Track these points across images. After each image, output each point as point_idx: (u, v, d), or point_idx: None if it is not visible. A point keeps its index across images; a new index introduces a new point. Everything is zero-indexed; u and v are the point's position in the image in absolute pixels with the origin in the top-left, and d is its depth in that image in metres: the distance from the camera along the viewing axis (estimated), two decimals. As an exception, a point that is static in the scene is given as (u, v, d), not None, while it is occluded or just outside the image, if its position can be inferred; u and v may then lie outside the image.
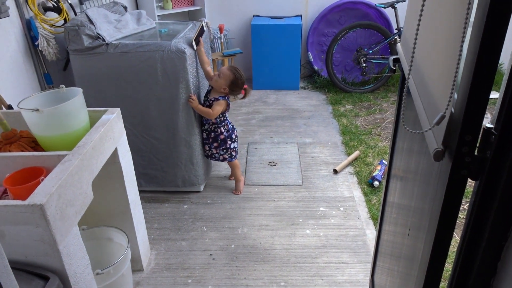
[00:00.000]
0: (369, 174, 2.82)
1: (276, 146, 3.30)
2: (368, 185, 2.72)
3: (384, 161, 2.88)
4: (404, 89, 0.96)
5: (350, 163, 2.99)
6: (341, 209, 2.49)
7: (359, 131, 3.50)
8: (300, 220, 2.40)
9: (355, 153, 3.06)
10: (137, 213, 1.93)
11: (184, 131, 2.40)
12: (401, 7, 4.17)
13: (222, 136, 2.41)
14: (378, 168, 2.79)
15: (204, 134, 2.43)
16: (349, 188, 2.71)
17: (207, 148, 2.48)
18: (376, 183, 2.67)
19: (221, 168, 2.86)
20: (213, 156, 2.52)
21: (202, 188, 2.69)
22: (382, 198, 1.64)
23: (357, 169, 2.91)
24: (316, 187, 2.72)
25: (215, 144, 2.45)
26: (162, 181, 2.59)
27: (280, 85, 4.53)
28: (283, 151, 3.21)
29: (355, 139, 3.33)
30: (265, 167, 2.98)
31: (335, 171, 2.88)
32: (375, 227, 2.34)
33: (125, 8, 2.73)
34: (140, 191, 1.91)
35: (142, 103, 2.34)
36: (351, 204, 2.53)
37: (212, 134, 2.42)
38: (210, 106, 2.30)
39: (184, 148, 2.46)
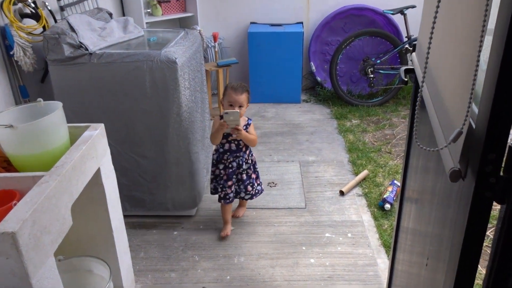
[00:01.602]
0: (380, 196, 2.81)
1: (276, 165, 3.29)
2: (378, 208, 2.70)
3: (396, 181, 2.87)
4: (417, 101, 0.95)
5: (358, 184, 2.97)
6: (349, 235, 2.47)
7: (367, 148, 3.50)
8: (303, 248, 2.38)
9: (364, 173, 3.05)
10: (121, 241, 1.90)
11: (174, 147, 2.39)
12: (411, 14, 4.23)
13: (255, 161, 2.43)
14: (390, 189, 2.78)
15: (244, 175, 2.34)
16: (357, 211, 2.69)
17: (250, 189, 2.38)
18: (387, 206, 2.66)
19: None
20: (257, 192, 2.43)
21: (194, 212, 2.67)
22: (395, 223, 1.62)
23: (366, 190, 2.90)
24: (320, 210, 2.71)
25: (254, 175, 2.45)
26: (150, 204, 2.57)
27: (280, 98, 4.55)
28: (284, 171, 3.19)
29: (363, 157, 3.33)
30: (266, 188, 2.96)
31: (342, 193, 2.86)
32: (388, 256, 2.31)
33: (111, 14, 2.75)
34: (124, 216, 1.89)
35: (128, 117, 2.34)
36: (360, 230, 2.51)
37: (251, 168, 2.37)
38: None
39: (174, 167, 2.44)
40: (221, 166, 2.34)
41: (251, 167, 2.38)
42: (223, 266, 2.26)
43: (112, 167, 1.82)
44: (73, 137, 1.66)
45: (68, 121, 1.81)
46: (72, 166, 1.46)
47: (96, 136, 1.66)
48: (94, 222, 1.79)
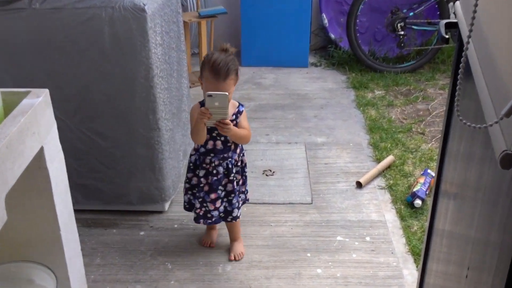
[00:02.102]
0: (408, 190, 2.83)
1: (274, 148, 3.29)
2: (406, 204, 2.72)
3: (429, 171, 2.89)
4: (461, 66, 0.94)
5: (381, 173, 2.99)
6: (367, 239, 2.49)
7: (393, 127, 3.51)
8: (308, 255, 2.40)
9: (388, 159, 3.06)
10: (70, 242, 1.91)
11: (142, 123, 2.38)
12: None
13: (245, 163, 2.31)
14: (421, 180, 2.80)
15: (234, 184, 2.21)
16: (379, 209, 2.71)
17: (234, 201, 2.26)
18: (417, 202, 2.68)
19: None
20: (238, 205, 2.29)
21: (167, 206, 2.68)
22: (427, 224, 1.63)
23: (391, 181, 2.92)
24: (331, 207, 2.72)
25: (241, 181, 2.30)
26: (109, 196, 2.58)
27: (280, 61, 4.53)
28: (284, 155, 3.21)
29: (387, 139, 3.34)
30: (258, 178, 2.97)
31: (359, 185, 2.88)
32: (416, 266, 2.34)
33: None
34: (75, 211, 1.88)
35: (82, 83, 2.32)
36: (382, 232, 2.53)
37: (240, 171, 2.26)
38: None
39: (141, 149, 2.44)
40: (202, 173, 2.20)
41: (240, 170, 2.26)
42: (203, 276, 2.28)
43: (59, 146, 1.81)
44: (8, 107, 1.64)
45: (2, 86, 1.79)
46: (6, 144, 1.45)
47: (38, 106, 1.64)
48: (36, 218, 1.78)
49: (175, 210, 2.69)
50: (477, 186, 1.12)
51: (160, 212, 2.67)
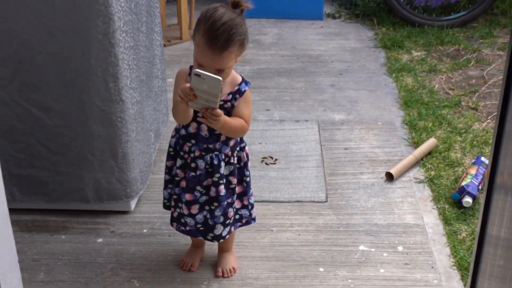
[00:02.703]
0: (455, 184, 2.84)
1: (277, 127, 3.29)
2: (452, 203, 2.74)
3: (483, 158, 2.90)
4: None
5: (419, 162, 3.00)
6: (400, 248, 2.51)
7: (436, 100, 3.51)
8: (321, 270, 2.41)
9: (429, 143, 3.07)
10: (4, 252, 1.91)
11: (99, 93, 2.38)
12: None
13: (245, 160, 2.25)
14: (472, 171, 2.80)
15: (220, 188, 2.18)
16: (416, 209, 2.72)
17: (230, 215, 2.24)
18: (467, 200, 2.69)
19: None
20: (240, 221, 2.32)
21: (133, 205, 2.69)
22: (477, 230, 1.64)
23: (432, 173, 2.93)
24: (352, 206, 2.74)
25: (239, 188, 2.25)
26: (56, 191, 2.59)
27: (287, 11, 4.52)
28: (291, 137, 3.21)
29: (428, 116, 3.34)
30: (256, 167, 2.98)
31: (390, 177, 2.89)
32: (464, 285, 2.36)
33: None
34: (11, 210, 1.88)
35: (19, 39, 2.31)
36: (419, 240, 2.55)
37: (236, 172, 2.21)
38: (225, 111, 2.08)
39: (99, 129, 2.45)
40: (179, 162, 2.20)
41: (236, 171, 2.21)
42: (182, 298, 2.29)
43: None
44: None
45: None
46: None
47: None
48: (-41, 220, 1.79)
49: (144, 210, 2.69)
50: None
51: (125, 212, 2.67)
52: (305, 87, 3.67)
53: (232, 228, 2.30)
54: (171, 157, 2.24)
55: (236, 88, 2.08)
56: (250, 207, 2.31)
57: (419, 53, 4.04)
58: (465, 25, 4.36)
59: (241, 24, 1.96)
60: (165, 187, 2.31)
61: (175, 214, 2.28)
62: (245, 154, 2.22)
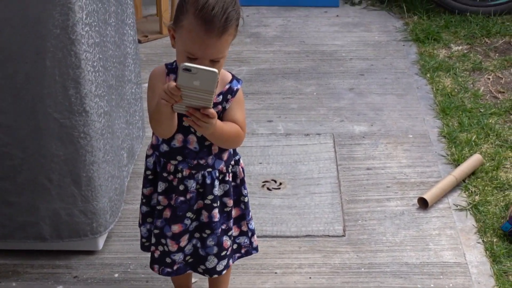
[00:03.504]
0: (506, 211, 2.83)
1: (283, 142, 3.30)
2: (502, 236, 2.73)
3: (540, 179, 2.90)
4: None
5: (460, 184, 3.00)
6: (437, 294, 2.52)
7: (482, 106, 3.51)
8: (338, 321, 2.42)
9: (473, 160, 3.07)
10: None
11: (58, 104, 2.38)
12: None
13: (242, 176, 2.27)
14: (527, 195, 2.80)
15: (214, 212, 2.19)
16: (456, 243, 2.72)
17: (226, 245, 2.25)
18: (521, 231, 2.69)
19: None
20: (240, 251, 2.35)
21: (101, 243, 2.69)
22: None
23: (477, 198, 2.93)
24: (376, 241, 2.74)
25: (236, 212, 2.28)
26: (3, 226, 2.58)
27: (293, -4, 4.54)
28: (299, 155, 3.22)
29: (472, 126, 3.34)
30: (257, 193, 2.98)
31: (424, 203, 2.89)
32: (518, 338, 2.35)
33: None
34: None
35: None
36: (461, 283, 2.54)
37: (231, 193, 2.23)
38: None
39: (57, 147, 2.45)
40: (161, 187, 2.21)
41: (231, 190, 2.26)
42: None
43: None
44: None
45: None
46: None
47: None
48: None
49: (115, 249, 2.69)
50: None
51: (91, 252, 2.67)
52: (317, 92, 3.67)
53: (230, 261, 2.29)
54: (149, 182, 2.23)
55: (227, 87, 2.09)
56: (250, 233, 2.31)
57: (460, 48, 4.04)
58: (518, 12, 4.37)
59: (235, 2, 1.98)
60: (143, 223, 2.29)
61: (157, 254, 2.26)
62: (240, 169, 2.23)
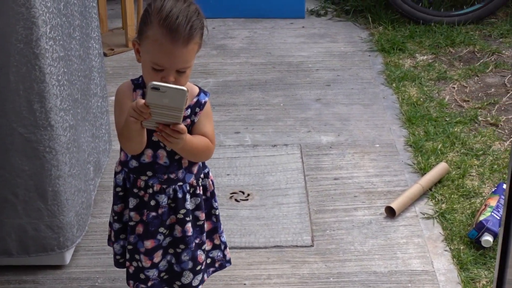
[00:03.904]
0: (472, 219, 2.86)
1: (250, 154, 3.31)
2: (468, 243, 2.75)
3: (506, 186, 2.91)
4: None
5: (427, 193, 3.02)
6: (405, 302, 2.53)
7: (447, 115, 3.54)
8: (307, 332, 2.42)
9: (439, 169, 3.10)
10: None
11: (22, 118, 2.38)
12: None
13: (212, 189, 2.28)
14: (493, 203, 2.83)
15: (187, 227, 2.20)
16: (424, 251, 2.73)
17: (200, 259, 2.26)
18: (487, 239, 2.71)
19: (111, 202, 2.81)
20: (214, 265, 2.36)
21: (68, 257, 2.68)
22: (495, 275, 1.66)
23: (443, 205, 2.95)
24: (344, 250, 2.74)
25: (208, 225, 2.31)
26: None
27: (259, 8, 4.55)
28: (267, 166, 3.22)
29: (438, 135, 3.37)
30: (224, 205, 2.99)
31: (391, 212, 2.91)
32: None
33: None
34: None
35: None
36: (429, 291, 2.57)
37: (203, 205, 2.24)
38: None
39: (22, 162, 2.44)
40: (133, 202, 2.20)
41: (203, 204, 2.25)
42: None
43: None
44: None
45: None
46: None
47: None
48: None
49: (82, 263, 2.68)
50: None
51: (58, 267, 2.65)
52: (283, 103, 3.68)
53: (205, 276, 2.30)
54: (120, 199, 2.22)
55: (195, 100, 2.10)
56: (223, 246, 2.32)
57: (425, 57, 4.07)
58: (481, 21, 4.40)
59: (198, 10, 2.02)
60: (116, 240, 2.28)
61: (131, 270, 2.25)
62: (210, 182, 2.24)
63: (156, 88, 1.86)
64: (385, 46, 4.16)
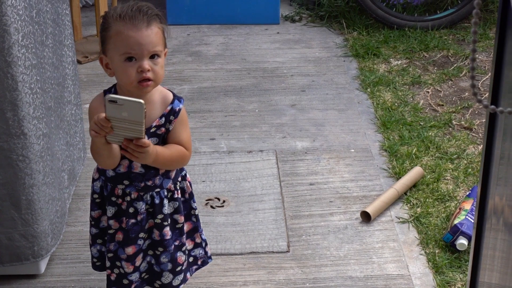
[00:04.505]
0: (447, 222, 2.87)
1: (226, 160, 3.31)
2: (443, 246, 2.77)
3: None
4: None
5: (402, 197, 3.04)
6: (381, 306, 2.53)
7: (421, 119, 3.56)
8: (284, 337, 2.43)
9: (413, 173, 3.12)
10: None
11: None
12: None
13: (190, 190, 2.30)
14: (467, 206, 2.85)
15: (166, 230, 2.22)
16: (399, 255, 2.74)
17: (181, 260, 2.28)
18: (462, 242, 2.72)
19: (86, 210, 2.79)
20: (195, 263, 2.39)
21: (43, 266, 2.66)
22: (468, 277, 1.67)
23: (418, 210, 2.96)
24: (320, 256, 2.75)
25: (188, 225, 2.30)
26: None
27: (233, 15, 4.56)
28: (242, 172, 3.23)
29: (412, 140, 3.39)
30: (200, 211, 2.92)
31: (367, 216, 2.92)
32: None
33: None
34: None
35: None
36: (404, 295, 2.57)
37: (181, 208, 2.25)
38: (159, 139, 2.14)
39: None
40: (111, 211, 2.21)
41: (181, 207, 2.27)
42: None
43: None
44: None
45: None
46: None
47: None
48: None
49: (57, 272, 2.66)
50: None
51: (32, 276, 2.63)
52: (259, 109, 3.68)
53: (188, 274, 2.31)
54: (97, 205, 2.23)
55: (169, 108, 2.10)
56: (204, 244, 2.34)
57: (399, 62, 4.09)
58: (455, 25, 4.43)
59: (149, 4, 2.07)
60: (93, 243, 2.29)
61: (113, 277, 2.26)
62: (188, 183, 2.25)
63: (113, 101, 1.88)
64: (360, 51, 4.18)
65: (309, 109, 3.68)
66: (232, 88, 3.87)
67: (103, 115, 1.91)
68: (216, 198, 3.06)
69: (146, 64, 1.98)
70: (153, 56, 2.00)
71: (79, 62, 3.78)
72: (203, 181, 3.16)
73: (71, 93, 2.91)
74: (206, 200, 3.05)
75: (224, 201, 3.04)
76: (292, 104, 3.72)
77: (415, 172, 3.12)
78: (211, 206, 3.01)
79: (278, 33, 4.46)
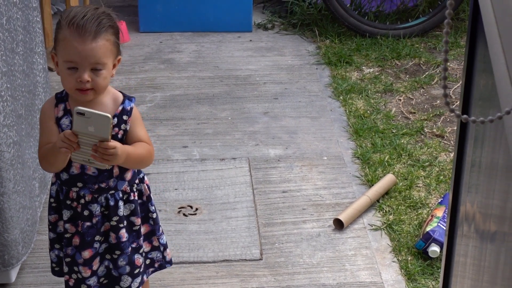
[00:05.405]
0: (419, 229, 2.88)
1: (198, 168, 3.30)
2: (416, 254, 2.78)
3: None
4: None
5: (374, 205, 3.04)
6: (354, 314, 2.55)
7: (393, 127, 3.57)
8: None
9: (386, 180, 3.13)
10: None
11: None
12: None
13: (148, 193, 2.30)
14: (439, 213, 2.86)
15: (122, 232, 2.21)
16: (372, 263, 2.75)
17: (138, 262, 2.27)
18: (434, 249, 2.73)
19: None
20: (154, 265, 2.37)
21: (13, 275, 2.64)
22: (440, 283, 1.68)
23: (390, 217, 2.97)
24: (293, 263, 2.75)
25: (146, 228, 2.30)
26: None
27: (206, 22, 4.55)
28: (215, 180, 3.22)
29: (384, 147, 3.40)
30: (173, 220, 2.98)
31: (339, 224, 2.92)
32: None
33: None
34: None
35: None
36: (377, 302, 2.59)
37: (138, 211, 2.25)
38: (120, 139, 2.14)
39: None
40: (66, 215, 2.20)
41: (138, 209, 2.26)
42: None
43: None
44: None
45: None
46: None
47: None
48: None
49: (28, 281, 2.65)
50: (504, 215, 1.16)
51: (3, 285, 2.62)
52: (231, 117, 3.68)
53: (145, 277, 2.31)
54: (53, 209, 2.24)
55: (120, 108, 2.13)
56: (162, 248, 2.33)
57: (372, 70, 4.10)
58: (426, 33, 4.45)
59: (107, 12, 2.08)
60: (52, 248, 2.29)
61: (71, 283, 2.25)
62: (146, 186, 2.26)
63: (81, 113, 1.89)
64: (332, 59, 4.18)
65: (282, 117, 3.68)
66: (204, 96, 3.87)
67: (70, 131, 1.94)
68: (188, 206, 3.05)
69: (86, 76, 2.00)
70: (96, 68, 2.02)
71: (50, 69, 3.74)
72: (176, 189, 3.15)
73: (42, 100, 2.89)
74: (179, 208, 3.04)
75: (196, 209, 3.04)
76: (264, 111, 3.72)
77: (387, 179, 3.13)
78: (184, 214, 3.00)
79: (250, 40, 4.46)
